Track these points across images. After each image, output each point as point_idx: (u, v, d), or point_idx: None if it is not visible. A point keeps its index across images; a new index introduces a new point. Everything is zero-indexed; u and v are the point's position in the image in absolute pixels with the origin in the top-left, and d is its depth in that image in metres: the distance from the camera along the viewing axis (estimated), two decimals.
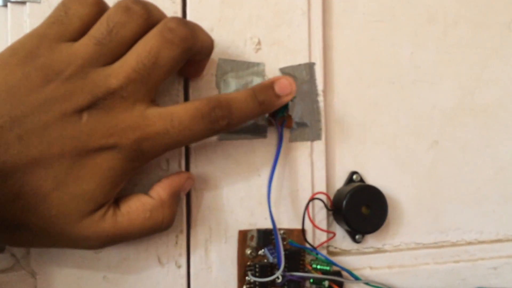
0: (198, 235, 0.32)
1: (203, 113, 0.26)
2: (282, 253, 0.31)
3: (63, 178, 0.24)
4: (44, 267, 0.30)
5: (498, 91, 0.39)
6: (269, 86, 0.29)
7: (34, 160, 0.23)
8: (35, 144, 0.23)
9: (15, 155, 0.23)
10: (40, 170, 0.24)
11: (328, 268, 0.33)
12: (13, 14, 0.30)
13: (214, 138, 0.32)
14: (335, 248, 0.36)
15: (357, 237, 0.36)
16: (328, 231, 0.34)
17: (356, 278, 0.34)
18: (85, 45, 0.25)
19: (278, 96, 0.30)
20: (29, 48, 0.24)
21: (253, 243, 0.33)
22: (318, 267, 0.33)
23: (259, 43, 0.33)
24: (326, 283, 0.33)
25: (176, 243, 0.32)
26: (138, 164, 0.26)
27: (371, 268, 0.35)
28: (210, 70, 0.32)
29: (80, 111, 0.24)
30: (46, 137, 0.24)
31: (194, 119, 0.26)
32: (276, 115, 0.32)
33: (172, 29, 0.25)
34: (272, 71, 0.33)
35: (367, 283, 0.34)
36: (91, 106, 0.24)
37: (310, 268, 0.33)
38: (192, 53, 0.26)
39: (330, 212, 0.35)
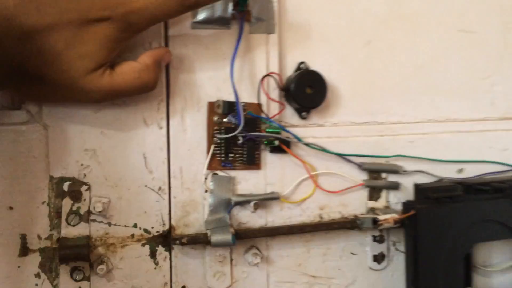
0: (176, 104, 0.41)
1: None
2: (242, 116, 0.40)
3: (71, 41, 0.32)
4: (54, 121, 0.38)
5: (422, 2, 0.48)
6: None
7: (49, 25, 0.31)
8: (49, 13, 0.31)
9: (35, 21, 0.31)
10: (54, 33, 0.31)
11: (278, 131, 0.42)
12: None
13: (188, 26, 0.40)
14: (286, 122, 0.45)
15: (303, 114, 0.45)
16: (280, 102, 0.43)
17: (300, 140, 0.43)
18: None
19: None
20: None
21: (219, 111, 0.41)
22: (271, 130, 0.42)
23: None
24: (277, 142, 0.42)
25: (158, 109, 0.40)
26: (127, 35, 0.34)
27: (314, 137, 0.45)
28: None
29: None
30: (57, 8, 0.31)
31: None
32: (238, 9, 0.41)
33: None
34: None
35: (307, 144, 0.43)
36: None
37: (264, 133, 0.42)
38: None
39: (283, 93, 0.44)
